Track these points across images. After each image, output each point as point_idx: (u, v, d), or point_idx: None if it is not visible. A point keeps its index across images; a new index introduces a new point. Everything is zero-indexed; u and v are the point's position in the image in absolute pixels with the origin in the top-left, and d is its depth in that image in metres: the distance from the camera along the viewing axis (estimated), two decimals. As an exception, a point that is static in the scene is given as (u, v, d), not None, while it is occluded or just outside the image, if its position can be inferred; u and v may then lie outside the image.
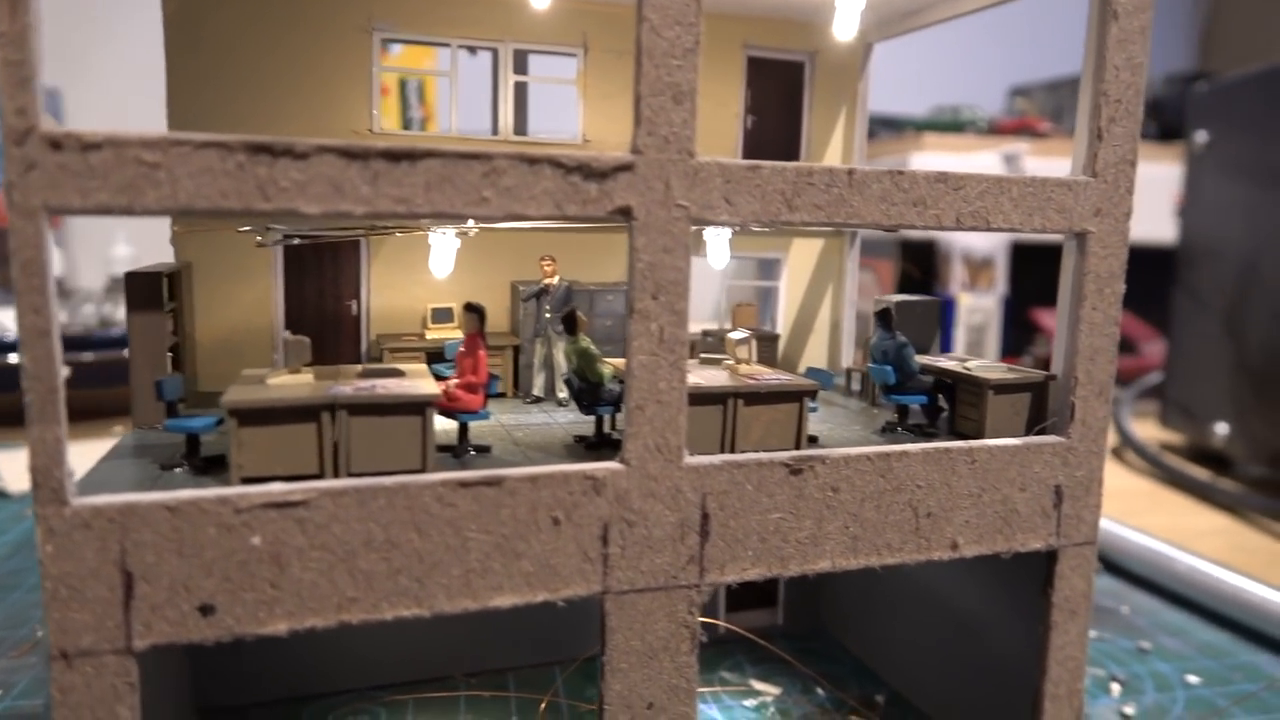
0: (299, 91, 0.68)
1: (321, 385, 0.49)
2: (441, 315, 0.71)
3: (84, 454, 0.48)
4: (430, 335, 0.70)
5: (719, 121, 0.79)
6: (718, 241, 0.71)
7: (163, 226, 0.66)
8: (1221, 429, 1.43)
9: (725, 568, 0.51)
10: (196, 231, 0.66)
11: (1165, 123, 2.14)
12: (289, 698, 0.72)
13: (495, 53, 0.72)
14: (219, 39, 0.65)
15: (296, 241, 0.64)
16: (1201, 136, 1.48)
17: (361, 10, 0.68)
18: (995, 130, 2.14)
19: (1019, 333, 2.01)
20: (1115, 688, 0.76)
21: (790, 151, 0.81)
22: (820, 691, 0.75)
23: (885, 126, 2.36)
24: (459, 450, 0.53)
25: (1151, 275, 1.70)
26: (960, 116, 2.17)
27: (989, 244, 1.89)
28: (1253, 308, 1.37)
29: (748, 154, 0.80)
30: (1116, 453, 1.61)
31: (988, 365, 0.61)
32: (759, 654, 0.79)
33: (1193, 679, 0.78)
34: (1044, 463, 0.56)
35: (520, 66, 0.77)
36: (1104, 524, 1.06)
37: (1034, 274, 1.98)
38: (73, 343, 1.43)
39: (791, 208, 0.49)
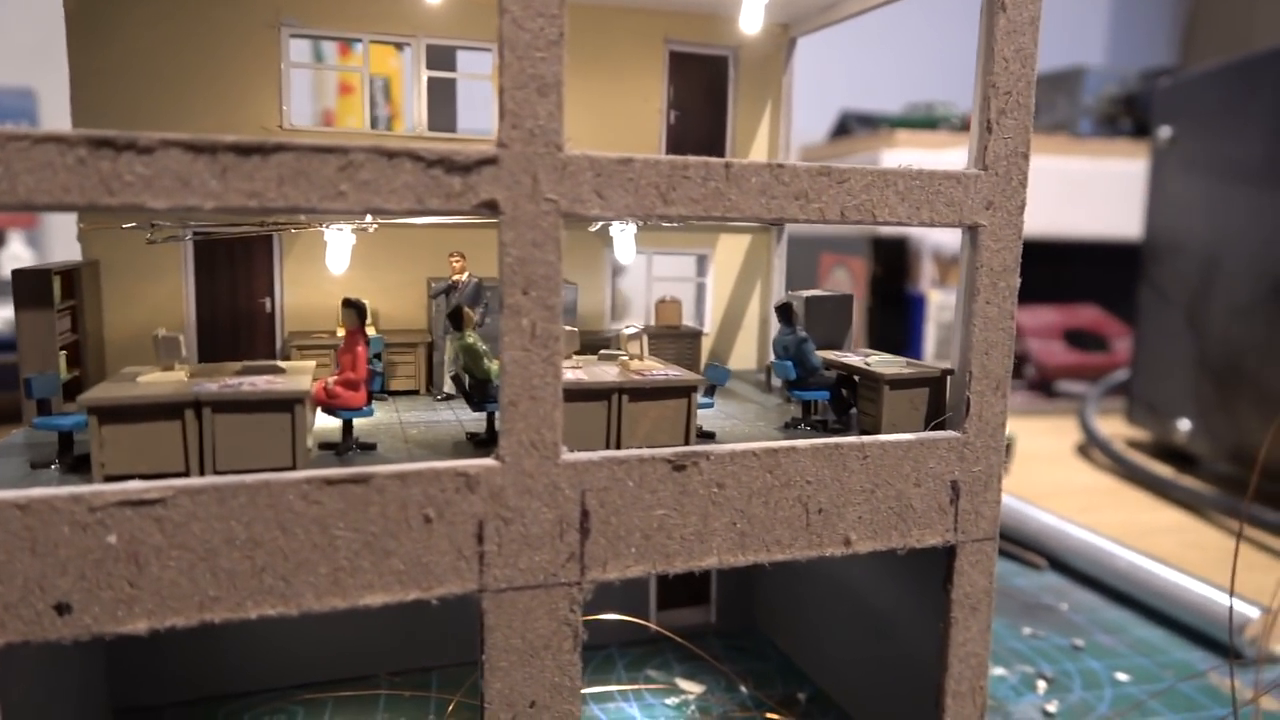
0: (208, 88, 0.67)
1: (191, 383, 0.48)
2: (355, 312, 0.71)
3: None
4: (341, 332, 0.69)
5: (641, 117, 0.79)
6: (623, 237, 0.70)
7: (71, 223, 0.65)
8: (1184, 425, 1.42)
9: (607, 565, 0.50)
10: (103, 228, 0.66)
11: (1139, 118, 2.13)
12: (206, 697, 0.72)
13: (405, 48, 0.72)
14: (124, 35, 0.65)
15: (189, 238, 0.64)
16: (1165, 132, 1.48)
17: (269, 6, 0.67)
18: (968, 126, 2.14)
19: (991, 329, 2.01)
20: (1041, 685, 0.76)
21: (715, 146, 0.80)
22: (744, 690, 0.75)
23: (861, 123, 2.36)
24: (341, 448, 0.53)
25: (1125, 272, 1.70)
26: (934, 113, 2.16)
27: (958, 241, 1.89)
28: (1214, 304, 1.36)
29: (671, 149, 0.80)
30: (1082, 449, 1.61)
31: (889, 360, 0.61)
32: (688, 652, 0.79)
33: (1122, 676, 0.78)
34: (939, 458, 0.55)
35: (447, 62, 0.77)
36: (1050, 520, 1.06)
37: (1006, 270, 1.97)
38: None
39: (667, 201, 0.48)
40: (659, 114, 0.79)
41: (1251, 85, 1.30)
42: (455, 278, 0.68)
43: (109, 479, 0.46)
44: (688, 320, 0.83)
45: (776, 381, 0.75)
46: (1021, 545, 1.07)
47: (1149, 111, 2.10)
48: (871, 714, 0.69)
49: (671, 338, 0.78)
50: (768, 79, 0.81)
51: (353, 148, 0.43)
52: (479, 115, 0.83)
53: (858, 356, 0.64)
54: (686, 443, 0.56)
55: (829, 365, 0.63)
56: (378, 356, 0.68)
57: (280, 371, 0.52)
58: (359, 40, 0.71)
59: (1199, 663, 0.81)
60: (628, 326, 0.61)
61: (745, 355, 0.85)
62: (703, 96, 0.80)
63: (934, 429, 0.57)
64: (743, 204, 0.49)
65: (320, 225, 0.64)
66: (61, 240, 2.32)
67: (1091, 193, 2.04)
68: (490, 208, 0.45)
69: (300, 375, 0.52)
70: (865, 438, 0.54)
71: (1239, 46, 1.74)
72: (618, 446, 0.55)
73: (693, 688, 0.75)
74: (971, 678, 0.59)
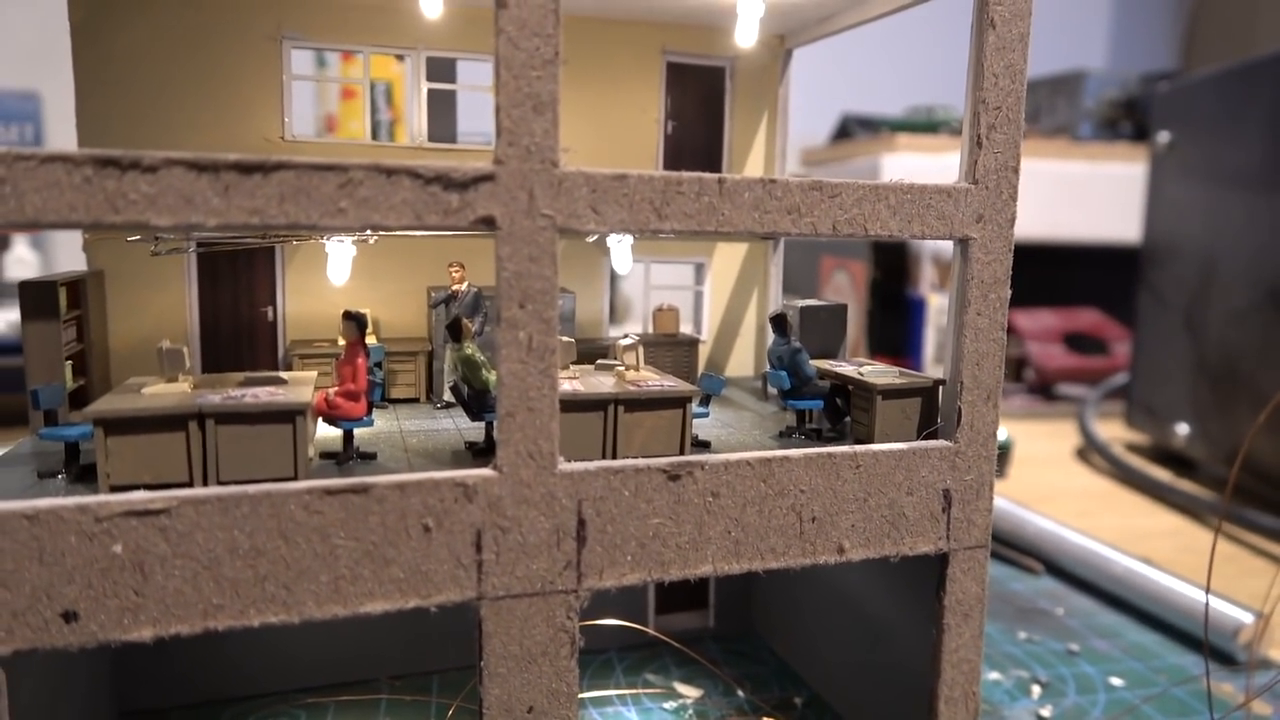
0: (211, 100, 0.68)
1: (194, 394, 0.49)
2: (356, 321, 0.72)
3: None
4: (342, 342, 0.70)
5: (638, 127, 0.80)
6: (620, 248, 0.71)
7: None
8: (1182, 429, 1.43)
9: (603, 573, 0.51)
10: (108, 239, 0.67)
11: (1139, 122, 2.14)
12: (211, 700, 0.73)
13: (407, 59, 0.73)
14: (129, 48, 0.66)
15: (193, 250, 0.65)
16: (1164, 137, 1.48)
17: (271, 19, 0.68)
18: (969, 130, 2.14)
19: (991, 333, 2.01)
20: (1036, 690, 0.77)
21: (712, 156, 0.81)
22: (741, 694, 0.75)
23: (862, 126, 2.37)
24: (342, 457, 0.54)
25: (1125, 275, 1.70)
26: (934, 117, 2.17)
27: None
28: (1211, 308, 1.37)
29: (668, 159, 0.81)
30: (1080, 453, 1.61)
31: (881, 370, 0.62)
32: (685, 656, 0.80)
33: (1117, 681, 0.79)
34: (931, 467, 0.56)
35: (448, 73, 0.78)
36: (1046, 525, 1.06)
37: (1006, 274, 1.98)
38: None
39: (661, 216, 0.49)
40: (656, 124, 0.80)
41: (1250, 91, 1.31)
42: (454, 288, 0.69)
43: (114, 489, 0.47)
44: (685, 328, 0.84)
45: (772, 390, 0.76)
46: (1018, 549, 1.07)
47: (1149, 115, 2.12)
48: (867, 718, 0.70)
49: (669, 345, 0.79)
50: (764, 89, 0.82)
51: (352, 165, 0.44)
52: (482, 121, 0.84)
53: (852, 366, 0.65)
54: (682, 452, 0.57)
55: (823, 375, 0.64)
56: (378, 365, 0.69)
57: (282, 383, 0.53)
58: (361, 51, 0.72)
59: (1193, 667, 0.82)
60: (624, 337, 0.61)
61: (742, 363, 0.86)
62: (700, 107, 0.81)
63: (926, 438, 0.58)
64: (736, 218, 0.50)
65: (321, 237, 0.65)
66: (66, 244, 2.33)
67: (1091, 196, 2.05)
68: (487, 224, 0.46)
69: (302, 386, 0.53)
70: (858, 447, 0.55)
71: (1240, 51, 1.75)
72: (614, 456, 0.56)
73: (690, 692, 0.75)
74: (964, 683, 0.59)
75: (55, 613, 0.43)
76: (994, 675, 0.79)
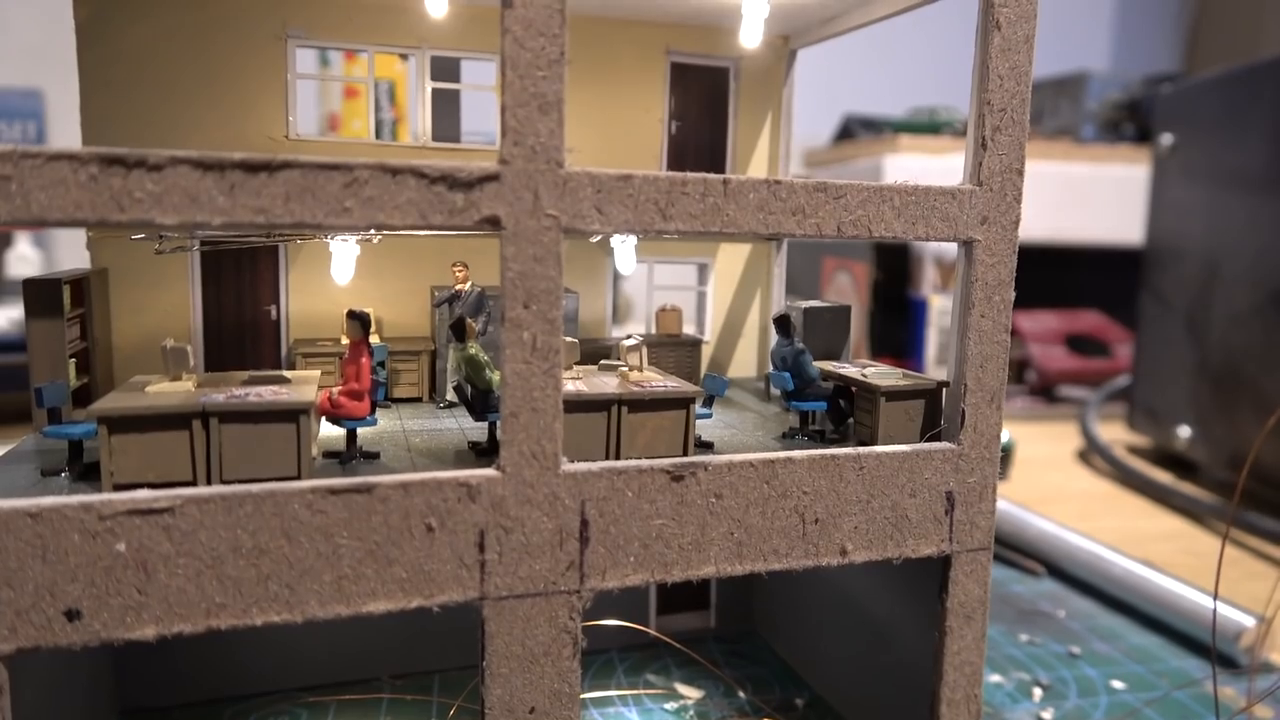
0: (216, 99, 0.68)
1: (198, 393, 0.49)
2: (359, 321, 0.72)
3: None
4: (346, 341, 0.70)
5: (642, 127, 0.80)
6: (624, 248, 0.71)
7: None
8: (1184, 432, 1.43)
9: (606, 573, 0.51)
10: (112, 237, 0.67)
11: (1142, 125, 2.14)
12: (212, 699, 0.73)
13: (411, 59, 0.73)
14: (134, 47, 0.66)
15: (196, 248, 0.65)
16: (1166, 139, 1.48)
17: (276, 18, 0.68)
18: (972, 132, 2.14)
19: (993, 334, 2.01)
20: (1037, 692, 0.77)
21: (715, 156, 0.81)
22: (742, 695, 0.75)
23: (865, 127, 2.37)
24: (345, 456, 0.54)
25: (1127, 278, 1.70)
26: (937, 118, 2.17)
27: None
28: (1214, 310, 1.37)
29: (672, 159, 0.81)
30: (1082, 455, 1.61)
31: (885, 372, 0.62)
32: (687, 657, 0.80)
33: (1118, 684, 0.79)
34: (934, 469, 0.56)
35: (452, 72, 0.78)
36: (1048, 527, 1.06)
37: (1008, 276, 1.98)
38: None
39: (666, 217, 0.49)
40: (660, 124, 0.80)
41: (1253, 93, 1.31)
42: (458, 287, 0.69)
43: (118, 488, 0.47)
44: (688, 329, 0.84)
45: (775, 391, 0.76)
46: (1019, 552, 1.07)
47: (1152, 118, 2.11)
48: (868, 720, 0.70)
49: (672, 346, 0.79)
50: (768, 90, 0.82)
51: (357, 165, 0.44)
52: (486, 121, 0.84)
53: (855, 367, 0.65)
54: (685, 453, 0.57)
55: (826, 376, 0.64)
56: (381, 365, 0.69)
57: (286, 382, 0.53)
58: (365, 50, 0.71)
59: (1195, 671, 0.82)
60: (628, 338, 0.61)
61: (745, 363, 0.86)
62: (704, 107, 0.81)
63: (929, 440, 0.58)
64: (740, 219, 0.50)
65: (324, 236, 0.65)
66: (68, 242, 2.33)
67: (1094, 198, 2.05)
68: (492, 223, 0.46)
69: (305, 385, 0.53)
70: (861, 449, 0.55)
71: (1243, 54, 1.75)
72: (617, 457, 0.56)
73: (691, 693, 0.75)
74: (966, 686, 0.59)
75: (58, 611, 0.43)
76: (995, 678, 0.79)
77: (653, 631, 0.76)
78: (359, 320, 0.54)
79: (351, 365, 0.53)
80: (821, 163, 2.35)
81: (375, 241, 0.68)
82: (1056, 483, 1.45)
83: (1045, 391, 1.98)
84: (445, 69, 0.77)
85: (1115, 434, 1.62)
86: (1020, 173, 0.55)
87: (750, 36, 0.67)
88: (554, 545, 0.50)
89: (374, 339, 0.71)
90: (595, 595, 0.51)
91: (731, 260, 0.84)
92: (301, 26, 0.69)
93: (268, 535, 0.45)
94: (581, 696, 0.58)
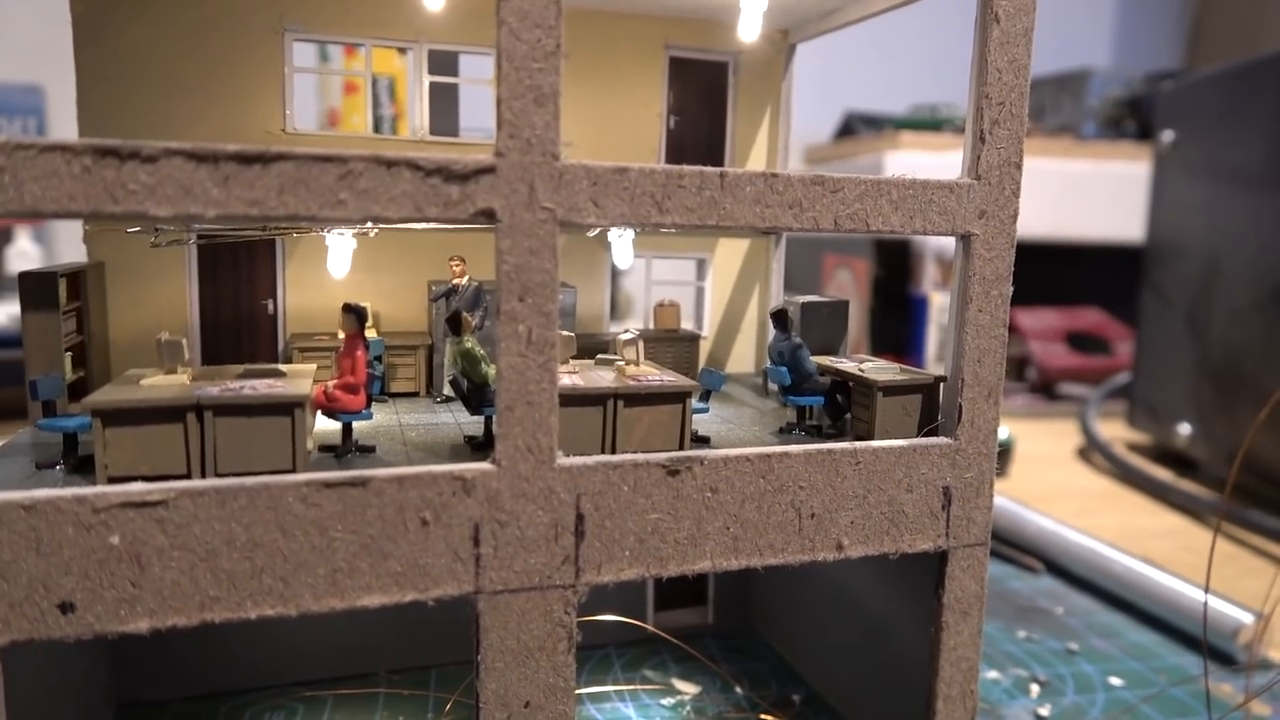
0: (213, 93, 0.68)
1: (193, 386, 0.49)
2: (357, 315, 0.72)
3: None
4: (342, 335, 0.70)
5: (640, 122, 0.80)
6: (621, 242, 0.71)
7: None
8: (1184, 429, 1.43)
9: (602, 568, 0.51)
10: (109, 231, 0.67)
11: (1143, 122, 2.13)
12: (209, 693, 0.73)
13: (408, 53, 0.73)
14: (131, 40, 0.66)
15: (194, 242, 0.65)
16: (1168, 136, 1.48)
17: (273, 12, 0.68)
18: (973, 128, 2.13)
19: (993, 332, 2.01)
20: (1035, 689, 0.77)
21: (714, 151, 0.81)
22: (739, 691, 0.75)
23: (866, 124, 2.36)
24: (340, 450, 0.53)
25: (1128, 275, 1.70)
26: (939, 115, 2.16)
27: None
28: (1214, 307, 1.36)
29: (670, 155, 0.80)
30: (1082, 453, 1.61)
31: (882, 367, 0.62)
32: (684, 653, 0.80)
33: (1116, 681, 0.79)
34: (931, 464, 0.56)
35: (450, 66, 0.78)
36: (1046, 524, 1.06)
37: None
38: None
39: (662, 210, 0.49)
40: (659, 119, 0.80)
41: (1253, 90, 1.30)
42: (455, 281, 0.68)
43: (112, 480, 0.47)
44: (687, 324, 0.84)
45: (773, 386, 0.76)
46: (1018, 548, 1.07)
47: (1153, 114, 2.11)
48: (865, 716, 0.70)
49: (670, 341, 0.79)
50: (767, 84, 0.82)
51: (352, 157, 0.44)
52: (484, 116, 0.83)
53: (853, 362, 0.65)
54: (681, 447, 0.57)
55: (824, 371, 0.63)
56: (378, 359, 0.69)
57: (281, 375, 0.53)
58: (362, 44, 0.71)
59: (1192, 667, 0.81)
60: (625, 332, 0.61)
61: (744, 358, 0.86)
62: (702, 101, 0.80)
63: (926, 435, 0.58)
64: (737, 213, 0.50)
65: (321, 230, 0.65)
66: (68, 237, 2.33)
67: (1095, 195, 2.04)
68: (488, 216, 0.46)
69: (300, 379, 0.52)
70: (858, 443, 0.54)
71: (1245, 50, 1.74)
72: (613, 451, 0.56)
73: (688, 688, 0.75)
74: (962, 681, 0.59)
75: (52, 604, 0.43)
76: (992, 674, 0.79)
77: (649, 627, 0.76)
78: (354, 314, 0.54)
79: (346, 359, 0.53)
80: (823, 159, 2.35)
81: (372, 235, 0.68)
82: (1056, 480, 1.45)
83: (1045, 389, 1.98)
84: (443, 63, 0.77)
85: (1115, 431, 1.62)
86: (1019, 166, 0.55)
87: (748, 30, 0.67)
88: (549, 539, 0.50)
89: (371, 333, 0.71)
90: (591, 590, 0.51)
91: (730, 255, 0.84)
92: (299, 21, 0.69)
93: (262, 528, 0.45)
94: (578, 691, 0.58)
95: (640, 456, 0.50)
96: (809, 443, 0.56)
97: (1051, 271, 2.06)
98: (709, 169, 0.49)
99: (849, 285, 2.11)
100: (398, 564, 0.47)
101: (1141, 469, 1.40)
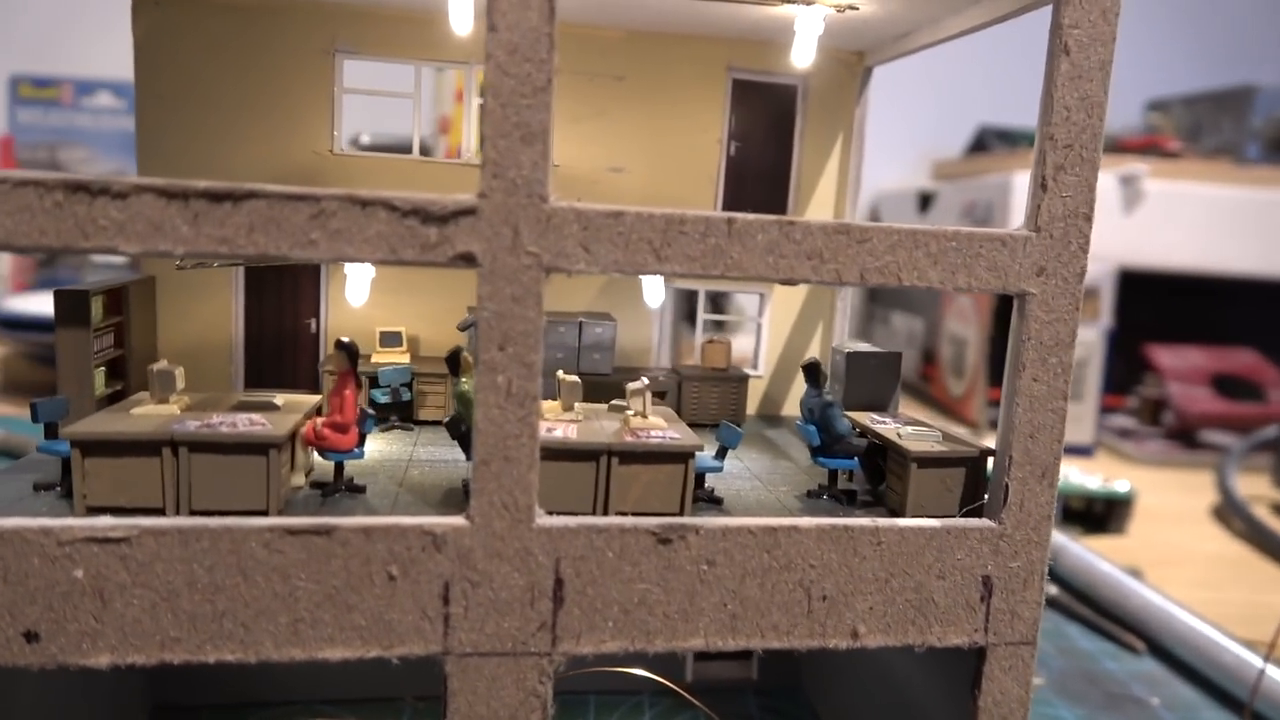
0: (264, 114, 0.68)
1: (175, 419, 0.49)
2: (390, 339, 0.71)
3: None
4: (375, 359, 0.69)
5: (699, 148, 0.75)
6: (653, 280, 0.67)
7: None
8: (1340, 496, 1.26)
9: (581, 637, 0.47)
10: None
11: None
12: (241, 703, 0.73)
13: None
14: (187, 61, 0.67)
15: (217, 265, 0.65)
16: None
17: (325, 33, 0.68)
18: (1118, 148, 1.97)
19: (1126, 369, 1.85)
20: (1107, 796, 0.68)
21: (777, 181, 0.76)
22: (770, 759, 0.70)
23: (1000, 139, 2.22)
24: (329, 489, 0.52)
25: (1289, 314, 1.52)
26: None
27: (1093, 271, 1.74)
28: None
29: (730, 182, 0.76)
30: (1218, 512, 1.45)
31: (924, 433, 0.55)
32: (722, 709, 0.75)
33: (1209, 795, 0.69)
34: (969, 549, 0.50)
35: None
36: (1153, 597, 0.95)
37: (1147, 304, 1.81)
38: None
39: (660, 258, 0.45)
40: (718, 145, 0.75)
41: None
42: (483, 311, 0.66)
43: (90, 510, 0.47)
44: (741, 364, 0.79)
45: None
46: (1118, 623, 0.96)
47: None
48: (899, 809, 0.64)
49: (716, 381, 0.74)
50: (839, 111, 0.76)
51: (325, 195, 0.42)
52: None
53: (896, 423, 0.59)
54: (682, 511, 0.53)
55: (861, 431, 0.58)
56: (406, 386, 0.68)
57: (274, 409, 0.52)
58: (411, 65, 0.70)
59: (1308, 789, 0.70)
60: (635, 380, 0.57)
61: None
62: (767, 128, 0.75)
63: (968, 515, 0.51)
64: (746, 263, 0.45)
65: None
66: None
67: (1255, 224, 1.84)
68: (467, 260, 0.43)
69: (293, 415, 0.51)
70: (880, 520, 0.49)
71: None
72: (606, 511, 0.52)
73: (716, 750, 0.71)
74: (997, 795, 0.52)
75: (17, 631, 0.43)
76: (1060, 772, 0.70)
77: (677, 688, 0.72)
78: (345, 351, 0.52)
79: (336, 397, 0.52)
80: (950, 175, 2.23)
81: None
82: (1181, 541, 1.30)
83: (1184, 435, 1.80)
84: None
85: (1259, 489, 1.45)
86: (1088, 218, 0.48)
87: (803, 56, 0.61)
88: (524, 603, 0.46)
89: (402, 359, 0.70)
90: (569, 659, 0.47)
91: (792, 290, 0.79)
92: (350, 41, 0.68)
93: (223, 572, 0.44)
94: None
95: (628, 521, 0.47)
96: (833, 511, 0.51)
97: (1200, 306, 1.88)
98: (715, 214, 0.44)
99: (969, 311, 1.98)
100: (362, 617, 0.45)
101: (1283, 538, 1.24)
